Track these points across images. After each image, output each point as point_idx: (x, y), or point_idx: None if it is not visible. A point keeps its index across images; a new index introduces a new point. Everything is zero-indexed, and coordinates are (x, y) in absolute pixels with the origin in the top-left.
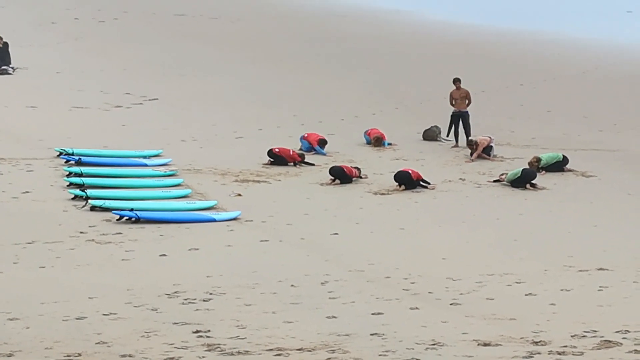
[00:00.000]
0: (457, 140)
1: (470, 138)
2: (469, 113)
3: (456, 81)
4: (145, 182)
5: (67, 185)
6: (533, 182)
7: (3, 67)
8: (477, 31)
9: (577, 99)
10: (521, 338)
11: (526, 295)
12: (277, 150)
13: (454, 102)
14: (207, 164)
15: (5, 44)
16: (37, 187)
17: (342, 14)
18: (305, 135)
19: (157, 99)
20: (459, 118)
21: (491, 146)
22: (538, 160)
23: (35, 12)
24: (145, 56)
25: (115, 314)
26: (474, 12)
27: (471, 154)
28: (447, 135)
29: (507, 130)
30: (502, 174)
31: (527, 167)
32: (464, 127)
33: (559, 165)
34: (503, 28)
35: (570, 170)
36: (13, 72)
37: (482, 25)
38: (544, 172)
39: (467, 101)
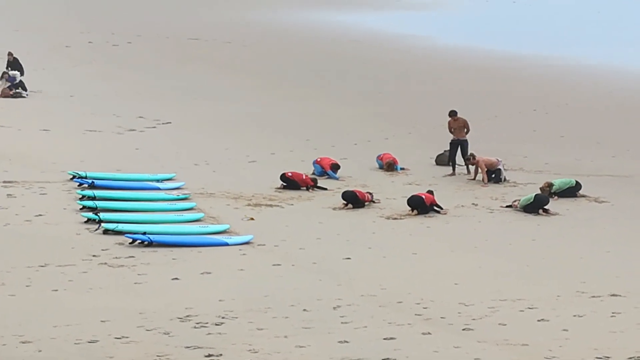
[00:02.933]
0: (454, 169)
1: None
2: (468, 141)
3: (452, 114)
4: (158, 206)
5: (80, 209)
6: (546, 207)
7: (17, 91)
8: (490, 56)
9: (590, 125)
10: None
11: (538, 320)
12: (289, 174)
13: (452, 131)
14: (219, 187)
15: (16, 59)
16: (50, 210)
17: (356, 39)
18: (318, 159)
19: (170, 122)
20: (458, 145)
21: (499, 169)
22: (550, 185)
23: (49, 35)
24: (158, 80)
25: (127, 337)
26: (487, 38)
27: (468, 170)
28: (448, 163)
29: (520, 155)
30: (515, 201)
31: (540, 192)
32: (462, 155)
33: (571, 191)
34: (516, 53)
35: (583, 196)
36: (27, 95)
37: (496, 51)
38: (556, 197)
39: (465, 129)
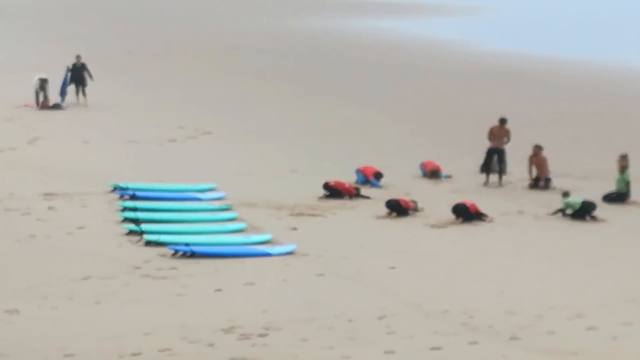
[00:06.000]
0: (488, 177)
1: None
2: (505, 151)
3: (502, 121)
4: (200, 217)
5: (122, 220)
6: (593, 214)
7: (56, 103)
8: (532, 61)
9: (637, 129)
10: None
11: (587, 329)
12: (332, 183)
13: (491, 138)
14: (261, 197)
15: (83, 65)
16: (91, 223)
17: (395, 46)
18: (361, 168)
19: (210, 132)
20: (495, 154)
21: (549, 178)
22: (625, 159)
23: (89, 46)
24: (198, 89)
25: (170, 350)
26: (530, 42)
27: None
28: (481, 172)
29: (566, 161)
30: (562, 210)
31: (618, 163)
32: (500, 164)
33: (621, 197)
34: (559, 58)
35: (632, 202)
36: (65, 107)
37: (538, 56)
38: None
39: (505, 139)
